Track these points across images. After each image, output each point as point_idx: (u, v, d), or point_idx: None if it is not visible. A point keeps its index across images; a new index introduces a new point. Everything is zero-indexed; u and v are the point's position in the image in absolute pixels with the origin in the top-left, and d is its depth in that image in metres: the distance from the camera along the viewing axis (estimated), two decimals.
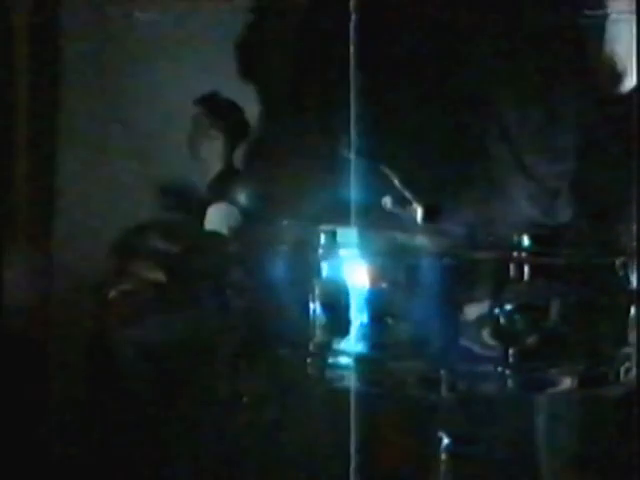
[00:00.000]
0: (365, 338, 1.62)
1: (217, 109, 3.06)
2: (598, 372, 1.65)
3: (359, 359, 1.62)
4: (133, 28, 3.05)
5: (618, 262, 1.66)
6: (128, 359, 2.85)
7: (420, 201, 1.63)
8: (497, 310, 1.56)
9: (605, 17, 1.81)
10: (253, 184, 2.67)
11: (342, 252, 1.62)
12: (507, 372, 1.57)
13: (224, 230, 2.66)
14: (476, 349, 1.58)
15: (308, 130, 2.15)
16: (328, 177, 1.91)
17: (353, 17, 1.92)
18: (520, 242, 1.57)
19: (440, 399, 1.63)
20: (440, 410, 1.76)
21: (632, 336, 1.67)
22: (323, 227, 1.63)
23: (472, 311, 1.57)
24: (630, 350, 1.66)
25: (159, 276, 2.93)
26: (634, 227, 1.74)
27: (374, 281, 1.60)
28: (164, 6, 3.02)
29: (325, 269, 1.62)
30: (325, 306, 1.61)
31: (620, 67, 1.80)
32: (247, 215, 2.61)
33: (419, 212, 1.62)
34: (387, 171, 1.68)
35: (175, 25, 3.05)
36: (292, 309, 1.64)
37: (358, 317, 1.61)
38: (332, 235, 1.62)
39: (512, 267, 1.57)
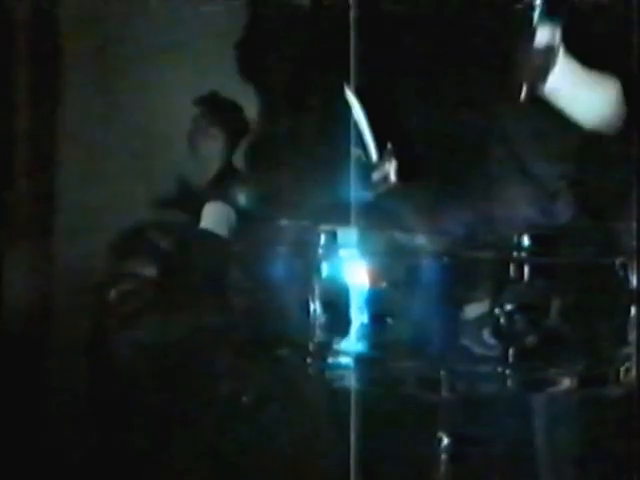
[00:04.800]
0: (365, 338, 1.62)
1: (217, 109, 3.06)
2: (598, 372, 1.65)
3: (359, 359, 1.63)
4: (133, 28, 3.06)
5: (618, 262, 1.66)
6: (128, 359, 2.85)
7: (394, 155, 1.61)
8: (497, 310, 1.56)
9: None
10: (253, 184, 2.67)
11: (342, 252, 1.63)
12: (507, 372, 1.57)
13: (220, 229, 2.66)
14: (476, 349, 1.58)
15: (308, 130, 2.15)
16: (328, 177, 1.91)
17: (353, 16, 1.92)
18: (520, 242, 1.57)
19: (440, 399, 1.63)
20: (440, 410, 1.77)
21: (632, 336, 1.67)
22: (323, 227, 1.63)
23: (472, 311, 1.57)
24: (630, 350, 1.66)
25: (158, 275, 2.93)
26: (634, 227, 1.74)
27: (374, 281, 1.60)
28: (164, 6, 3.02)
29: (325, 269, 1.62)
30: (325, 306, 1.62)
31: None
32: (247, 215, 2.61)
33: (393, 167, 1.62)
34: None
35: (175, 25, 3.06)
36: (292, 309, 1.64)
37: (358, 317, 1.61)
38: (332, 235, 1.62)
39: (512, 267, 1.57)
